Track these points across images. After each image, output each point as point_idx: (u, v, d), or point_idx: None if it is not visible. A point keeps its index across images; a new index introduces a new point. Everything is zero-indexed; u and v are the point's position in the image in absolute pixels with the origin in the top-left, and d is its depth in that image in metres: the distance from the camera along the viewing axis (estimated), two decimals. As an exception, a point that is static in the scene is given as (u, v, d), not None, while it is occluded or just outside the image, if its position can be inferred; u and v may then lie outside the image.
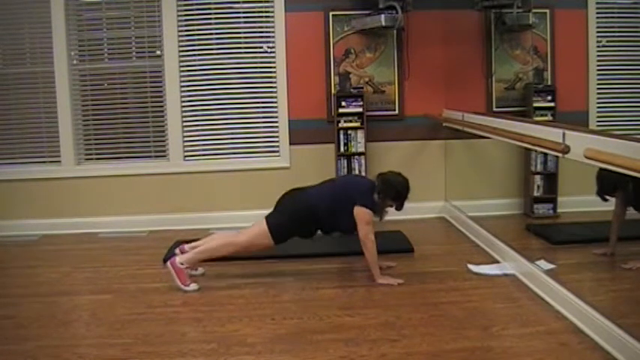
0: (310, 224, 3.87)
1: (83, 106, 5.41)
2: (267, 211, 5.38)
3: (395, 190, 3.86)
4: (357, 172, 5.28)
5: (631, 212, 3.71)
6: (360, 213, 3.79)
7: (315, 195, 3.92)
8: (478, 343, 2.93)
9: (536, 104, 5.06)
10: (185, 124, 5.39)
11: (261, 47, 5.42)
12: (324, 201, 3.85)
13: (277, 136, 5.45)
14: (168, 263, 3.80)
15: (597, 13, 4.99)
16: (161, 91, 5.39)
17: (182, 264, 3.78)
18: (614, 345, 2.73)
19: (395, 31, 5.28)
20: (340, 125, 5.24)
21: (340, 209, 3.82)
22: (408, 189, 3.91)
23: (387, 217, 5.33)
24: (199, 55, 5.36)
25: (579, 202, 4.81)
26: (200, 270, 4.06)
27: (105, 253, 4.70)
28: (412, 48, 5.36)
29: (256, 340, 3.03)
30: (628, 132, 4.62)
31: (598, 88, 5.01)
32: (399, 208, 3.94)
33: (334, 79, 5.39)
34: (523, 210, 5.18)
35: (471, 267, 4.01)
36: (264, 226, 3.80)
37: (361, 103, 5.21)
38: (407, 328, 3.13)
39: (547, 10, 5.13)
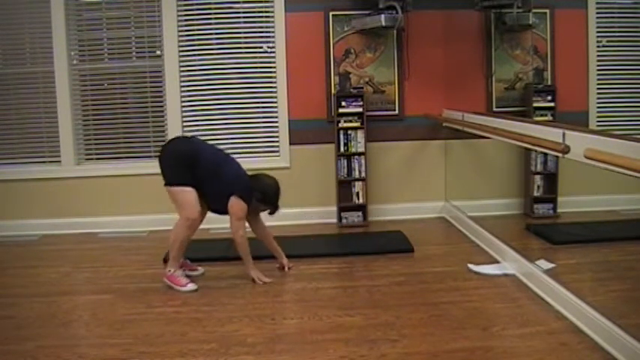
0: (190, 168, 3.73)
1: (83, 106, 5.41)
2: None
3: (261, 193, 3.81)
4: (357, 172, 5.29)
5: None
6: (235, 206, 3.73)
7: (202, 147, 3.86)
8: (478, 343, 2.93)
9: (536, 104, 5.06)
10: (185, 124, 5.39)
11: (261, 47, 5.42)
12: (210, 160, 3.78)
13: (277, 136, 5.45)
14: (164, 278, 3.84)
15: (597, 13, 4.99)
16: (161, 91, 5.39)
17: (169, 270, 3.82)
18: (614, 345, 2.73)
19: (395, 31, 5.28)
20: (340, 125, 5.24)
21: (217, 183, 3.74)
22: (276, 194, 3.85)
23: (387, 217, 5.39)
24: (199, 55, 5.35)
25: (579, 202, 4.82)
26: (200, 270, 4.07)
27: (105, 253, 4.70)
28: (412, 48, 5.36)
29: (256, 340, 3.03)
30: (628, 132, 4.62)
31: (598, 88, 5.01)
32: (271, 212, 3.88)
33: (334, 79, 5.39)
34: (523, 210, 5.18)
35: (472, 267, 4.01)
36: (171, 189, 3.74)
37: (361, 103, 5.21)
38: (407, 328, 3.13)
39: (547, 10, 5.13)
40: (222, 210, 3.86)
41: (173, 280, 3.80)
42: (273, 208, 3.89)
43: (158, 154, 3.93)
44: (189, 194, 3.74)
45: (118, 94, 5.43)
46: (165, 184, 3.78)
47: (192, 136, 4.25)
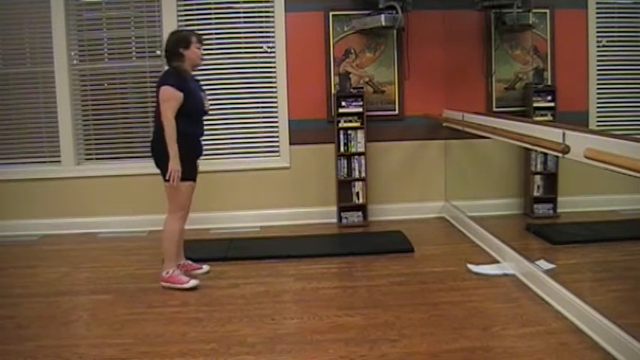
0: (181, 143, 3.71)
1: (83, 106, 5.41)
2: (267, 211, 5.43)
3: (175, 46, 3.76)
4: (357, 172, 5.29)
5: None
6: (160, 93, 3.69)
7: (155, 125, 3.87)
8: (478, 343, 2.93)
9: (536, 104, 5.06)
10: (185, 124, 5.39)
11: (261, 47, 5.42)
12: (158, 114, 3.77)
13: (277, 136, 5.45)
14: (160, 282, 3.83)
15: (597, 13, 5.00)
16: (161, 91, 5.38)
17: (167, 272, 3.83)
18: (614, 345, 2.73)
19: (395, 31, 5.28)
20: (340, 125, 5.24)
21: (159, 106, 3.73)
22: (178, 33, 3.89)
23: (387, 217, 5.39)
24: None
25: (579, 202, 4.82)
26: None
27: (105, 253, 4.70)
28: (412, 48, 5.36)
29: (256, 340, 3.03)
30: (628, 132, 4.62)
31: (598, 88, 5.01)
32: (199, 42, 3.84)
33: (334, 79, 5.39)
34: (523, 210, 5.18)
35: (471, 267, 4.01)
36: (173, 185, 3.71)
37: (361, 103, 5.21)
38: (407, 328, 3.13)
39: (547, 10, 5.13)
40: (203, 108, 3.89)
41: (173, 280, 3.80)
42: (196, 38, 3.84)
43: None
44: (184, 187, 3.76)
45: (118, 94, 5.43)
46: (165, 180, 3.78)
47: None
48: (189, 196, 3.84)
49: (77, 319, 3.42)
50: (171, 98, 3.67)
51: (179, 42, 3.80)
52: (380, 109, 5.42)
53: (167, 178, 3.73)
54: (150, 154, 3.87)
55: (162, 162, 3.77)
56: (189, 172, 3.78)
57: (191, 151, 3.83)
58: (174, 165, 3.68)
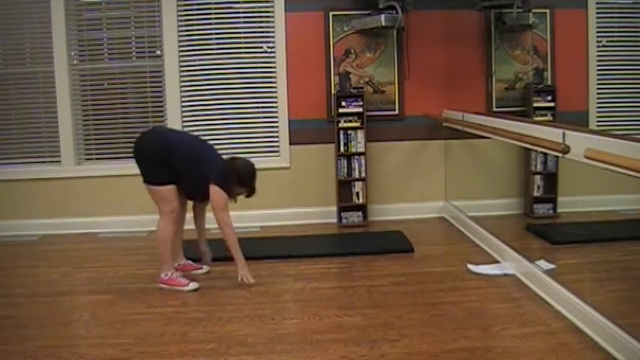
0: (165, 164, 3.70)
1: (83, 106, 5.41)
2: (267, 211, 5.42)
3: (237, 174, 3.73)
4: (357, 172, 5.29)
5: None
6: (215, 194, 3.67)
7: (176, 139, 3.83)
8: (478, 343, 2.93)
9: (536, 104, 5.06)
10: (185, 124, 5.39)
11: (261, 47, 5.42)
12: (186, 152, 3.73)
13: (277, 136, 5.45)
14: (159, 283, 3.83)
15: (597, 13, 5.00)
16: (161, 91, 5.39)
17: (165, 274, 3.82)
18: (614, 345, 2.73)
19: (395, 31, 5.28)
20: (340, 125, 5.24)
21: (194, 174, 3.70)
22: (251, 175, 3.79)
23: (387, 217, 5.39)
24: (199, 55, 5.35)
25: (579, 202, 4.82)
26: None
27: (105, 253, 4.70)
28: (412, 48, 5.35)
29: (256, 340, 3.03)
30: (628, 132, 4.62)
31: (598, 88, 5.01)
32: (248, 195, 3.81)
33: (334, 79, 5.39)
34: (523, 210, 5.18)
35: (471, 267, 4.01)
36: (152, 189, 3.74)
37: (361, 103, 5.21)
38: (407, 328, 3.13)
39: (547, 10, 5.13)
40: (200, 198, 3.85)
41: (172, 282, 3.80)
42: (250, 190, 3.82)
43: (132, 150, 3.82)
44: (167, 191, 3.74)
45: (118, 94, 5.43)
46: (144, 182, 3.77)
47: (164, 128, 4.11)
48: (174, 196, 3.78)
49: (77, 319, 3.42)
50: (227, 205, 3.72)
51: (241, 178, 3.75)
52: (380, 109, 5.42)
53: (146, 181, 3.74)
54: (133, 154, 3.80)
55: (146, 166, 3.74)
56: (166, 178, 3.73)
57: (158, 161, 3.75)
58: (246, 272, 3.79)
